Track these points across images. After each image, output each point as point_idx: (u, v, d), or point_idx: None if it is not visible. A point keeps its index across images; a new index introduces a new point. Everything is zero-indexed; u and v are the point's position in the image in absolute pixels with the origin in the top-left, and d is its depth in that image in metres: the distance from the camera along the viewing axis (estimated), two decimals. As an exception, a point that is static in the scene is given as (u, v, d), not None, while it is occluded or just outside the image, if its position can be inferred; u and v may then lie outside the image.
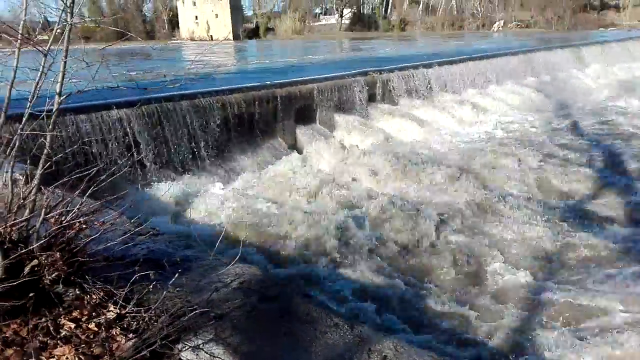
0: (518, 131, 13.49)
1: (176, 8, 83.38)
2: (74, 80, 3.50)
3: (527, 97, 17.52)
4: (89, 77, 3.78)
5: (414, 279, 5.84)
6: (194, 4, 79.58)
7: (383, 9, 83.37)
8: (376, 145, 11.67)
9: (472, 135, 13.16)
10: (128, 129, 8.48)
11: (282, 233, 6.83)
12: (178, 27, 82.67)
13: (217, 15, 79.33)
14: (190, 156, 9.52)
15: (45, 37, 4.37)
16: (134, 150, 8.23)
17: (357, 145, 11.78)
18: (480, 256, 6.29)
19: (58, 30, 3.72)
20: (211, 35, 79.12)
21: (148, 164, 8.63)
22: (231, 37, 76.81)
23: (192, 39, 77.66)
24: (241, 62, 25.37)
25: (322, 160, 11.03)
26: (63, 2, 3.60)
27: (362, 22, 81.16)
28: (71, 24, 3.43)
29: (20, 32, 3.52)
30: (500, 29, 70.03)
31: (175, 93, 9.47)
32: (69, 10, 3.63)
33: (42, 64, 3.59)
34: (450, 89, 16.50)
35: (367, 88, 13.99)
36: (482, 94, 16.93)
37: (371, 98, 14.24)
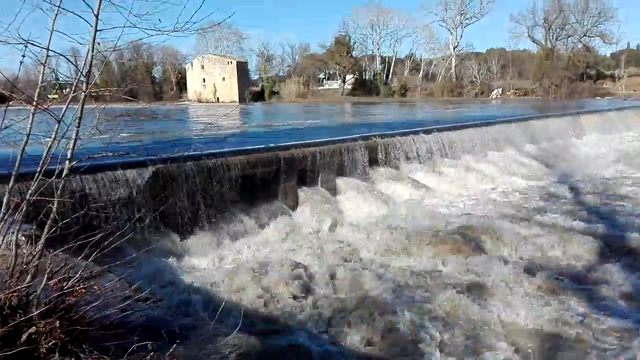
0: (516, 198, 13.55)
1: (184, 70, 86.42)
2: (87, 146, 3.59)
3: (526, 164, 17.75)
4: (99, 140, 3.86)
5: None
6: (202, 67, 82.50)
7: (384, 75, 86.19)
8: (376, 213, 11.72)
9: (471, 202, 13.21)
10: (132, 191, 8.56)
11: (284, 302, 6.70)
12: (186, 89, 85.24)
13: (224, 79, 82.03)
14: (193, 218, 9.54)
15: (55, 96, 4.51)
16: (137, 213, 8.25)
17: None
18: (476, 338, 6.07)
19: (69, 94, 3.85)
20: (218, 98, 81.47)
21: (151, 227, 8.63)
22: (237, 100, 79.10)
23: (199, 101, 79.92)
24: (247, 125, 25.94)
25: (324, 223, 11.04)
26: (80, 71, 3.76)
27: (363, 88, 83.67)
28: (86, 94, 3.55)
29: (35, 99, 3.66)
30: (499, 96, 72.02)
31: (179, 154, 9.61)
32: (84, 80, 3.78)
33: (56, 130, 3.70)
34: (450, 154, 16.75)
35: (368, 152, 14.23)
36: (481, 161, 17.15)
37: (372, 162, 14.44)
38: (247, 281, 7.12)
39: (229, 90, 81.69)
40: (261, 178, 11.26)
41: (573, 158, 20.12)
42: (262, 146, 11.98)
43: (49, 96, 3.74)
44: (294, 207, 11.91)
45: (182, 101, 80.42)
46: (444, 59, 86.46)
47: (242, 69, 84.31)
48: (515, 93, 72.61)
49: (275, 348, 5.14)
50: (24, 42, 3.30)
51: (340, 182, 13.20)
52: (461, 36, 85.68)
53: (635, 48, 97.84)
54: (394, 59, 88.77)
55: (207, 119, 31.26)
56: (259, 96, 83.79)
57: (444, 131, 17.41)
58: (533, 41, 79.20)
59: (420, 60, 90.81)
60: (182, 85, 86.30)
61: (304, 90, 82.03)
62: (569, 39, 75.45)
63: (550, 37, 75.64)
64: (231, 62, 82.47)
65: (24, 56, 3.24)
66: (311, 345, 5.38)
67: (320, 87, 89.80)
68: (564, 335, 6.01)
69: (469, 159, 16.97)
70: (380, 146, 14.76)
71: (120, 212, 8.29)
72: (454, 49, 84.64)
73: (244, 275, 7.33)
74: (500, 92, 73.87)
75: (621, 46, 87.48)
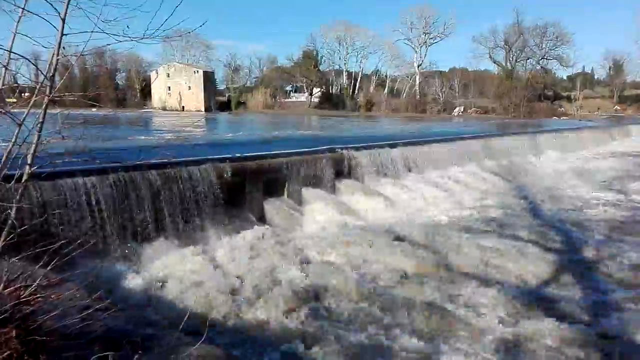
0: (478, 212, 13.91)
1: (149, 78, 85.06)
2: (48, 151, 3.50)
3: (486, 179, 18.28)
4: (60, 145, 3.76)
5: None
6: (168, 75, 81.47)
7: (351, 90, 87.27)
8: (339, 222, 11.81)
9: (433, 215, 13.47)
10: (93, 198, 8.33)
11: (250, 311, 6.64)
12: (150, 97, 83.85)
13: (190, 88, 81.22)
14: (156, 227, 9.35)
15: (14, 100, 4.39)
16: (98, 221, 8.03)
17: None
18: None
19: (31, 98, 3.75)
20: (183, 106, 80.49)
21: (112, 236, 8.41)
22: (203, 109, 78.40)
23: (164, 109, 78.75)
24: (213, 134, 25.71)
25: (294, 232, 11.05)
26: (45, 75, 3.68)
27: (330, 101, 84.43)
28: (50, 98, 3.48)
29: (-5, 100, 3.55)
30: (461, 114, 74.08)
31: (143, 162, 9.44)
32: (48, 84, 3.70)
33: (16, 134, 3.59)
34: (414, 168, 17.08)
35: (334, 164, 14.34)
36: (443, 175, 17.55)
37: (338, 174, 14.55)
38: (212, 291, 7.01)
39: (195, 99, 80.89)
40: (227, 188, 11.16)
41: (531, 174, 20.85)
42: (229, 156, 11.90)
43: (6, 100, 3.63)
44: (260, 218, 11.86)
45: (146, 109, 79.03)
46: (408, 76, 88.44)
47: (208, 79, 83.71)
48: (477, 111, 74.80)
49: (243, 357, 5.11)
50: (-14, 43, 3.22)
51: (306, 193, 13.24)
52: (425, 55, 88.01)
53: (589, 71, 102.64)
54: (360, 74, 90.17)
55: (173, 127, 30.86)
56: (225, 106, 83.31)
57: (409, 145, 17.77)
58: (494, 62, 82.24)
59: (386, 76, 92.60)
60: (146, 92, 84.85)
61: (271, 102, 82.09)
62: (528, 60, 78.69)
63: (510, 59, 78.69)
64: (198, 72, 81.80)
65: (-13, 58, 3.15)
66: (278, 356, 5.38)
67: (287, 100, 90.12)
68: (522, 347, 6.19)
69: (433, 173, 17.35)
70: (346, 158, 14.91)
71: (80, 219, 8.04)
72: (418, 67, 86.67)
73: (208, 285, 7.22)
74: (462, 109, 76.02)
75: (577, 69, 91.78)
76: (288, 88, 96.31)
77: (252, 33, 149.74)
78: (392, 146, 16.94)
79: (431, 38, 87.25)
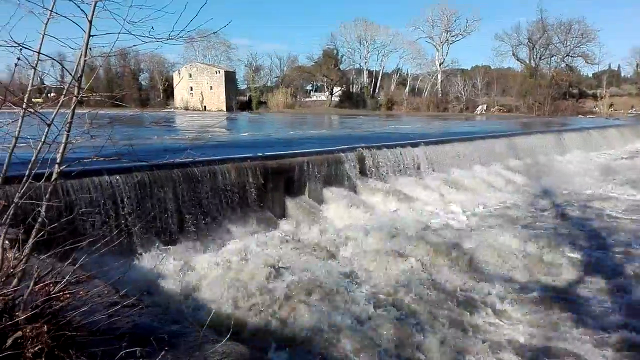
0: (503, 212, 13.72)
1: (172, 78, 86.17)
2: (75, 151, 3.56)
3: (511, 178, 18.00)
4: (88, 145, 3.82)
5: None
6: (190, 75, 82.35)
7: (371, 89, 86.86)
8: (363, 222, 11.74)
9: (458, 215, 13.32)
10: (118, 197, 8.49)
11: (274, 309, 6.65)
12: (172, 97, 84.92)
13: (211, 87, 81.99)
14: (180, 226, 9.48)
15: (40, 100, 4.47)
16: (124, 220, 8.17)
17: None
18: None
19: (59, 98, 3.82)
20: (205, 106, 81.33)
21: (138, 234, 8.55)
22: (224, 109, 79.07)
23: (186, 109, 79.67)
24: (234, 134, 25.90)
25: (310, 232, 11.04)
26: (72, 76, 3.74)
27: (350, 100, 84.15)
28: (78, 99, 3.53)
29: (25, 101, 3.63)
30: (483, 112, 73.06)
31: (168, 162, 9.57)
32: (76, 84, 3.76)
33: (45, 134, 3.66)
34: (437, 168, 16.92)
35: (356, 163, 14.31)
36: (467, 175, 17.34)
37: (360, 173, 14.51)
38: (236, 289, 7.06)
39: (217, 99, 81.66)
40: (248, 187, 11.24)
41: (556, 173, 20.45)
42: (250, 155, 11.99)
43: (33, 100, 3.69)
44: (281, 216, 11.91)
45: (169, 108, 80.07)
46: (430, 75, 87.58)
47: (229, 79, 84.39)
48: (500, 109, 73.71)
49: (265, 358, 5.13)
50: (18, 45, 3.28)
51: (327, 192, 13.24)
52: (447, 53, 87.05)
53: (616, 69, 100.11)
54: (381, 73, 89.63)
55: (197, 127, 31.20)
56: (246, 106, 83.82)
57: (431, 144, 17.62)
58: (517, 59, 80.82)
59: (407, 75, 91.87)
60: (169, 92, 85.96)
61: (292, 102, 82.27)
62: (552, 58, 77.07)
63: (534, 56, 77.21)
64: (219, 72, 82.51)
65: (19, 59, 3.21)
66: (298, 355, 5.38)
67: (307, 99, 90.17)
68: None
69: (456, 172, 17.16)
70: (368, 158, 14.86)
71: (106, 218, 8.19)
72: (439, 65, 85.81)
73: (232, 283, 7.27)
74: (485, 108, 74.95)
75: (603, 66, 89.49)
76: (308, 87, 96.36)
77: (272, 32, 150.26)
78: (414, 145, 16.83)
79: (453, 36, 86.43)
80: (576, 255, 9.62)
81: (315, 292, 7.10)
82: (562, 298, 7.74)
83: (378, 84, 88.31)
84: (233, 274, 7.71)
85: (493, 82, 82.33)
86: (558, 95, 71.30)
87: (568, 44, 75.76)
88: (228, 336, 3.02)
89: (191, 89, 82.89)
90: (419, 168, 16.26)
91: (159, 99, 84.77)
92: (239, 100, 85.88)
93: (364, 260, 8.98)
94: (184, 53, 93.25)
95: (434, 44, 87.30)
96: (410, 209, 13.34)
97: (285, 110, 77.42)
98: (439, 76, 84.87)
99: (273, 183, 11.98)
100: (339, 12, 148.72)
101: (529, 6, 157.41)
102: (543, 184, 17.96)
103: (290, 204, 12.28)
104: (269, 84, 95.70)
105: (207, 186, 10.20)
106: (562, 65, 77.35)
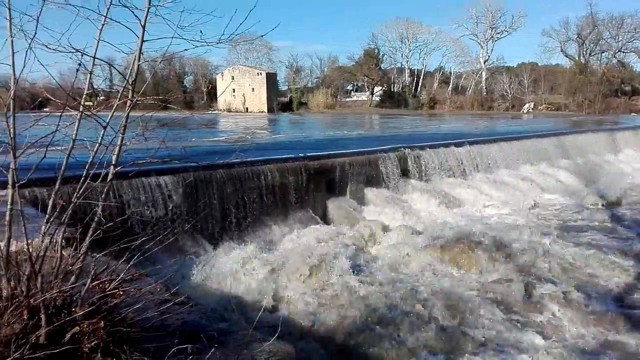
0: (552, 213, 13.25)
1: (215, 80, 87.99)
2: (128, 152, 3.68)
3: (560, 179, 17.36)
4: (139, 146, 3.94)
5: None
6: (233, 78, 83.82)
7: (413, 88, 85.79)
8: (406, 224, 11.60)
9: (505, 216, 12.97)
10: (168, 197, 8.74)
11: (322, 309, 6.66)
12: (216, 99, 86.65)
13: (253, 89, 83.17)
14: (227, 225, 9.68)
15: (90, 103, 4.63)
16: (173, 220, 8.41)
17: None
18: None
19: (114, 101, 3.96)
20: (247, 108, 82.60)
21: (186, 234, 8.77)
22: (266, 110, 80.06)
23: (229, 110, 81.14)
24: (277, 135, 26.17)
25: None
26: (127, 80, 3.87)
27: (392, 100, 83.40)
28: (133, 102, 3.65)
29: (82, 104, 3.77)
30: (530, 110, 70.77)
31: (216, 162, 9.78)
32: (130, 88, 3.88)
33: (101, 136, 3.80)
34: (482, 167, 16.53)
35: (398, 163, 14.16)
36: (514, 175, 16.85)
37: (402, 173, 14.35)
38: (283, 288, 7.12)
39: (258, 100, 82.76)
40: (291, 187, 11.33)
41: (608, 173, 19.56)
42: (292, 156, 12.08)
43: (84, 103, 3.83)
44: (323, 217, 11.94)
45: (212, 110, 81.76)
46: (474, 72, 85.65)
47: (271, 80, 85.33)
48: (548, 107, 71.25)
49: (312, 357, 5.14)
50: (76, 51, 3.42)
51: (369, 192, 13.16)
52: (492, 50, 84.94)
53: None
54: (423, 71, 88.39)
55: (241, 129, 31.73)
56: (287, 107, 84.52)
57: (476, 144, 17.22)
58: (566, 56, 77.96)
59: (450, 73, 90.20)
60: (212, 95, 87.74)
61: (332, 102, 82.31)
62: (603, 54, 73.99)
63: (584, 52, 74.26)
64: (261, 73, 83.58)
65: (80, 64, 3.35)
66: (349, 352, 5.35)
67: (348, 99, 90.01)
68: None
69: (503, 173, 16.71)
70: (410, 158, 14.68)
71: (158, 219, 8.46)
72: (484, 63, 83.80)
73: (279, 282, 7.34)
74: (532, 106, 72.56)
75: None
76: (349, 87, 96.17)
77: (313, 33, 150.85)
78: (459, 145, 16.49)
79: (498, 33, 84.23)
80: (629, 260, 9.15)
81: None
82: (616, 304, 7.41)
83: (420, 83, 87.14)
84: (277, 272, 7.75)
85: (540, 80, 79.55)
86: (609, 93, 68.34)
87: (620, 39, 72.61)
88: (276, 335, 3.05)
89: (233, 91, 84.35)
90: (463, 168, 15.92)
91: (202, 101, 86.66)
92: (280, 101, 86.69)
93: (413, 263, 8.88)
94: (227, 56, 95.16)
95: (478, 41, 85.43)
96: (454, 211, 13.08)
97: (325, 110, 77.55)
98: (484, 74, 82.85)
99: (315, 183, 12.02)
100: (380, 12, 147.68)
101: (577, 1, 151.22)
102: (594, 184, 17.23)
103: (332, 204, 12.28)
104: (309, 84, 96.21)
105: (250, 187, 10.36)
106: (614, 61, 74.16)
